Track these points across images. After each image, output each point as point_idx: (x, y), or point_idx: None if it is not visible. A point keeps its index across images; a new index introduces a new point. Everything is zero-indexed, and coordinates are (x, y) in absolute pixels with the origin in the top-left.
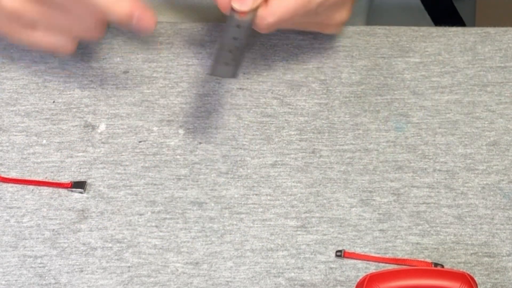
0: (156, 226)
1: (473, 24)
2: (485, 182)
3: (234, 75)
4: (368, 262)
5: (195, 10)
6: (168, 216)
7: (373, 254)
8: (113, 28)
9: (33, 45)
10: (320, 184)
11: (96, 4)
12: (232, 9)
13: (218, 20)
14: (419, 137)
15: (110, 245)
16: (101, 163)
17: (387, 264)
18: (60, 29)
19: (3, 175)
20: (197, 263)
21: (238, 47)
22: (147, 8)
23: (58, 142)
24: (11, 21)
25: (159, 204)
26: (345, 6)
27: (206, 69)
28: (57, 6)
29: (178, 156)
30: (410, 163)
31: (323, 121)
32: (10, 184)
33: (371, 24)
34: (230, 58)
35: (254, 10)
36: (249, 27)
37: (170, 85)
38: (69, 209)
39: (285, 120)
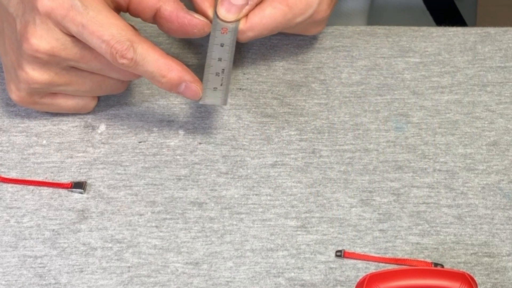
0: (156, 226)
1: (474, 24)
2: (485, 182)
3: (223, 102)
4: (368, 262)
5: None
6: (168, 216)
7: (373, 254)
8: None
9: (52, 110)
10: (320, 184)
11: (145, 73)
12: (214, 25)
13: None
14: (419, 137)
15: (110, 245)
16: (101, 163)
17: (387, 264)
18: (86, 92)
19: (3, 175)
20: (197, 263)
21: (224, 69)
22: (195, 77)
23: (58, 143)
24: (33, 93)
25: (159, 204)
26: (323, 22)
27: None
28: (91, 72)
29: (178, 157)
30: (410, 163)
31: (323, 121)
32: (10, 184)
33: (372, 24)
34: (218, 82)
35: (236, 26)
36: (232, 46)
37: None
38: (69, 209)
39: (285, 120)
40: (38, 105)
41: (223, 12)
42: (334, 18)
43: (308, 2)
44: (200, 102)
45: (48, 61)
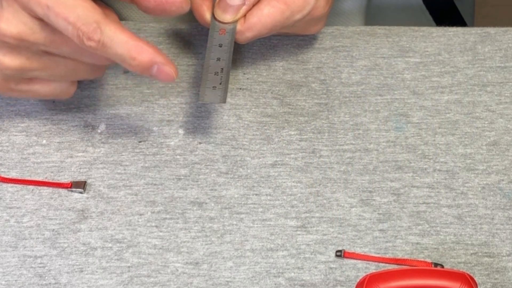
0: (156, 226)
1: (472, 24)
2: (485, 182)
3: (223, 100)
4: (368, 262)
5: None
6: (168, 216)
7: (373, 254)
8: None
9: (30, 96)
10: (320, 184)
11: (115, 56)
12: (212, 26)
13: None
14: (419, 137)
15: (110, 245)
16: (101, 163)
17: (387, 264)
18: (61, 76)
19: (3, 175)
20: (197, 263)
21: (223, 69)
22: (167, 59)
23: (58, 142)
24: (8, 79)
25: (159, 204)
26: (322, 20)
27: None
28: (63, 57)
29: (178, 156)
30: (410, 163)
31: (323, 121)
32: (10, 184)
33: (370, 23)
34: (217, 81)
35: (234, 27)
36: (231, 46)
37: (170, 85)
38: (69, 209)
39: (285, 120)
40: (16, 92)
41: (220, 13)
42: (332, 18)
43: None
44: (200, 101)
45: (18, 45)
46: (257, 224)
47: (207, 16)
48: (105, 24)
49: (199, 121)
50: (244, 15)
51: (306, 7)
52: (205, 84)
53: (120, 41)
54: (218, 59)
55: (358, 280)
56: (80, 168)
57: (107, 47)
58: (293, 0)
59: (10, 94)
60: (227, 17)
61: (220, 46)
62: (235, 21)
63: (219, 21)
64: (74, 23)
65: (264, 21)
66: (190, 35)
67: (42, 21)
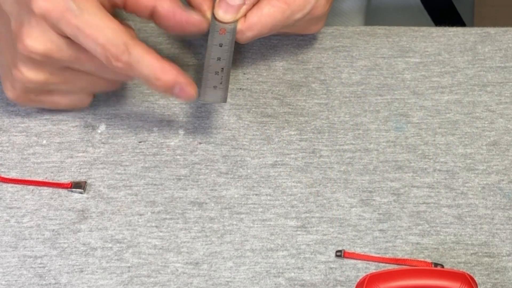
0: (156, 226)
1: (471, 24)
2: (485, 182)
3: (223, 99)
4: (368, 262)
5: None
6: (168, 216)
7: (373, 254)
8: None
9: (47, 107)
10: (320, 184)
11: (140, 75)
12: (212, 26)
13: None
14: (419, 137)
15: (110, 245)
16: (101, 163)
17: (387, 264)
18: (80, 90)
19: (3, 175)
20: (197, 263)
21: (223, 68)
22: (189, 79)
23: (58, 142)
24: (29, 92)
25: (159, 204)
26: (322, 19)
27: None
28: (85, 72)
29: (178, 156)
30: (410, 163)
31: (323, 121)
32: (10, 184)
33: (369, 23)
34: (218, 80)
35: (235, 26)
36: (231, 45)
37: None
38: (69, 209)
39: (285, 120)
40: (34, 103)
41: (220, 13)
42: (331, 18)
43: None
44: (200, 101)
45: (43, 61)
46: (257, 224)
47: (208, 15)
48: (133, 46)
49: (199, 121)
50: (245, 15)
51: (307, 6)
52: (206, 83)
53: (146, 62)
54: (219, 58)
55: (358, 280)
56: (80, 168)
57: (133, 68)
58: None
59: (29, 104)
60: (228, 17)
61: (221, 45)
62: (236, 21)
63: (220, 21)
64: (103, 45)
65: (265, 20)
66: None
67: (69, 40)
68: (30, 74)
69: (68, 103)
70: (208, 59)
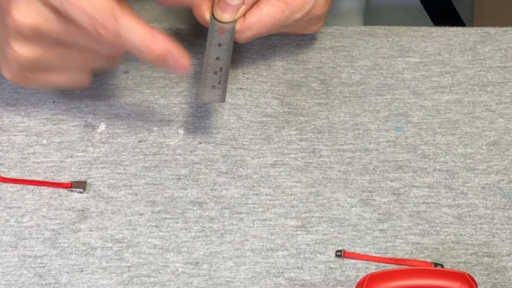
0: (156, 226)
1: (471, 24)
2: (485, 182)
3: (222, 99)
4: (368, 262)
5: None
6: (168, 216)
7: (373, 254)
8: None
9: (45, 86)
10: (320, 184)
11: (129, 45)
12: (211, 26)
13: None
14: (419, 137)
15: (110, 245)
16: (101, 163)
17: (387, 264)
18: (76, 66)
19: (3, 175)
20: (197, 263)
21: (222, 68)
22: (181, 49)
23: (58, 142)
24: (24, 69)
25: (159, 204)
26: (321, 19)
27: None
28: (78, 47)
29: (178, 156)
30: (410, 163)
31: (323, 121)
32: (10, 184)
33: (370, 24)
34: (216, 80)
35: (233, 26)
36: (230, 45)
37: (170, 85)
38: (69, 209)
39: (285, 120)
40: (31, 81)
41: (219, 13)
42: (330, 18)
43: None
44: (199, 101)
45: (33, 36)
46: (257, 224)
47: (207, 15)
48: (120, 14)
49: (199, 121)
50: (244, 15)
51: (306, 6)
52: (204, 83)
53: (135, 31)
54: (217, 58)
55: (358, 280)
56: (80, 168)
57: (122, 36)
58: None
59: (25, 83)
60: (227, 16)
61: (219, 45)
62: (235, 21)
63: (219, 21)
64: (89, 13)
65: (264, 20)
66: (190, 35)
67: (57, 12)
68: (22, 50)
69: (65, 81)
70: (207, 58)
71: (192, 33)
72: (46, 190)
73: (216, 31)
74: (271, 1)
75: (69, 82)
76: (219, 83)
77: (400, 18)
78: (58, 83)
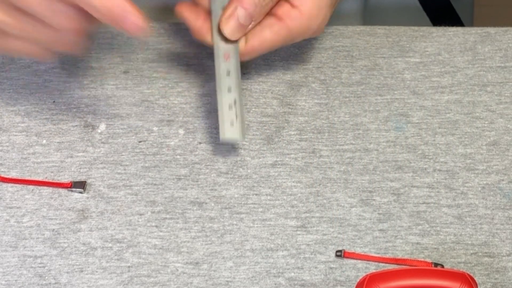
0: (156, 226)
1: (471, 24)
2: (485, 182)
3: (242, 136)
4: (368, 262)
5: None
6: (168, 216)
7: (373, 254)
8: (113, 28)
9: (10, 51)
10: (320, 184)
11: (82, 4)
12: (216, 52)
13: None
14: (419, 137)
15: (110, 245)
16: (101, 163)
17: (387, 264)
18: (35, 39)
19: (3, 175)
20: (197, 263)
21: (235, 100)
22: (137, 9)
23: (58, 142)
24: None
25: (159, 204)
26: (319, 32)
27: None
28: (35, 18)
29: (178, 156)
30: (410, 163)
31: (323, 121)
32: (10, 184)
33: (369, 24)
34: (233, 115)
35: (237, 49)
36: (238, 71)
37: (170, 85)
38: (69, 209)
39: (285, 120)
40: None
41: (228, 30)
42: (329, 20)
43: (308, 25)
44: (221, 139)
45: None
46: (257, 224)
47: (209, 38)
48: None
49: (199, 121)
50: (245, 34)
51: (308, 32)
52: (223, 119)
53: None
54: (229, 89)
55: (358, 280)
56: (80, 168)
57: None
58: (296, 26)
59: None
60: (236, 34)
61: (228, 74)
62: (239, 39)
63: (225, 38)
64: None
65: (265, 45)
66: (190, 35)
67: None
68: None
69: (25, 50)
70: (220, 91)
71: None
72: (46, 190)
73: (222, 57)
74: (274, 25)
75: (30, 53)
76: (236, 118)
77: (399, 19)
78: (18, 50)
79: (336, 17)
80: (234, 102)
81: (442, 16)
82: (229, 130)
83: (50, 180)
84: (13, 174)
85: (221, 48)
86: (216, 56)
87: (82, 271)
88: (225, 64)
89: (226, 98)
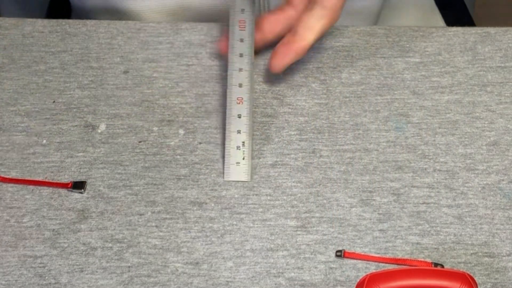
0: (156, 226)
1: (471, 24)
2: (485, 182)
3: (248, 177)
4: (368, 262)
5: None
6: (168, 216)
7: (373, 254)
8: (113, 28)
9: None
10: (320, 184)
11: None
12: (229, 95)
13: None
14: (419, 137)
15: (110, 245)
16: (101, 163)
17: (387, 264)
18: None
19: (3, 175)
20: (197, 263)
21: (244, 142)
22: None
23: (58, 142)
24: None
25: (159, 204)
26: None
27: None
28: None
29: (178, 156)
30: (410, 163)
31: (323, 121)
32: (10, 184)
33: (384, 23)
34: (240, 156)
35: (251, 96)
36: (250, 115)
37: (170, 85)
38: (69, 209)
39: (285, 120)
40: None
41: (276, 65)
42: (345, 17)
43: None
44: (225, 179)
45: None
46: (257, 224)
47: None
48: None
49: (199, 121)
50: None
51: (340, 10)
52: (228, 160)
53: None
54: (239, 131)
55: (358, 280)
56: (80, 168)
57: None
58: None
59: None
60: (279, 70)
61: (239, 116)
62: (251, 87)
63: (272, 70)
64: None
65: (318, 35)
66: (190, 35)
67: None
68: None
69: None
70: (228, 132)
71: (193, 33)
72: (46, 190)
73: (235, 101)
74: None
75: None
76: (243, 159)
77: (415, 18)
78: None
79: (354, 14)
80: (242, 144)
81: (456, 15)
82: (233, 170)
83: (50, 180)
84: (13, 174)
85: (234, 91)
86: (229, 100)
87: (82, 271)
88: (237, 107)
89: (235, 140)
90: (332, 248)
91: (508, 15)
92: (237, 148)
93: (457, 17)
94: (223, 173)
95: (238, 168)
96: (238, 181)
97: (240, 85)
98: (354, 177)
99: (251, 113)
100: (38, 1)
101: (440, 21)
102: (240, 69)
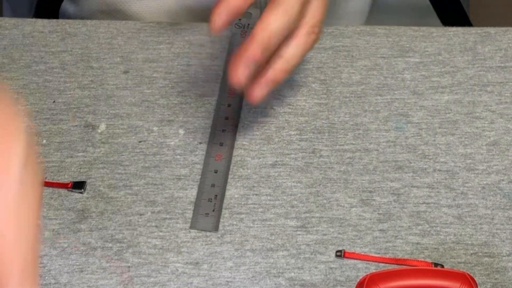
0: (156, 226)
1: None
2: (485, 182)
3: (214, 228)
4: (368, 262)
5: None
6: (168, 216)
7: (373, 254)
8: (113, 28)
9: None
10: (320, 184)
11: None
12: (208, 153)
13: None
14: (419, 137)
15: (110, 245)
16: (101, 163)
17: (387, 264)
18: None
19: None
20: (197, 263)
21: (217, 195)
22: None
23: (58, 142)
24: None
25: (159, 204)
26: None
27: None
28: None
29: (178, 156)
30: (410, 163)
31: (323, 121)
32: None
33: (375, 23)
34: (210, 208)
35: (230, 154)
36: (226, 172)
37: (170, 85)
38: (69, 209)
39: (285, 120)
40: None
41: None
42: (334, 19)
43: None
44: (190, 228)
45: None
46: (257, 224)
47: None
48: None
49: (199, 121)
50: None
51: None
52: (198, 210)
53: None
54: (213, 185)
55: (358, 280)
56: (80, 168)
57: None
58: None
59: None
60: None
61: (216, 172)
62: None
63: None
64: None
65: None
66: (190, 35)
67: None
68: None
69: None
70: (202, 185)
71: (193, 33)
72: (46, 190)
73: (213, 157)
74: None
75: None
76: (213, 211)
77: (407, 19)
78: None
79: (342, 15)
80: (214, 197)
81: (451, 15)
82: (201, 220)
83: (50, 180)
84: None
85: (213, 149)
86: (207, 155)
87: (82, 271)
88: (215, 164)
89: (207, 192)
90: (332, 248)
91: (508, 15)
92: (209, 200)
93: (453, 16)
94: (191, 221)
95: (206, 218)
96: (237, 183)
97: (221, 144)
98: (354, 177)
99: (228, 170)
100: (25, 6)
101: (436, 22)
102: (223, 130)
